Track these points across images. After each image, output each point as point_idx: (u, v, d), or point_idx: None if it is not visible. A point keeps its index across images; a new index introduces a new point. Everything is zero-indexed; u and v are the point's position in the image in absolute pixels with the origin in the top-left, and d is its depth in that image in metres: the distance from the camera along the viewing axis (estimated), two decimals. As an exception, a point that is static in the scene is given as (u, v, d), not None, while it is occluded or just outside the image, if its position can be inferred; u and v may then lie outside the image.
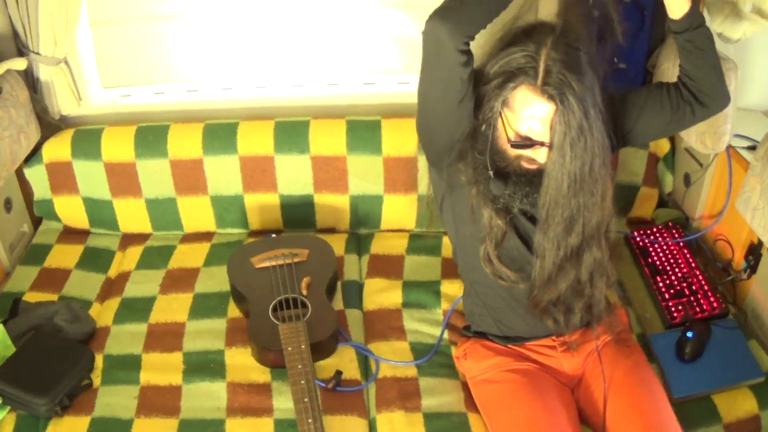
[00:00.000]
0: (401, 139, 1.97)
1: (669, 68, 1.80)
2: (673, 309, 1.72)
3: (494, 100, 1.32)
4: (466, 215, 1.48)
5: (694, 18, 1.36)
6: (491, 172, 1.36)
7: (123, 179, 2.01)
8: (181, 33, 2.05)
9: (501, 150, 1.36)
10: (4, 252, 1.94)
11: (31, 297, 1.81)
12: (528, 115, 1.29)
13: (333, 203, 2.04)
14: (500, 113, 1.32)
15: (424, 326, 1.76)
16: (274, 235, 1.98)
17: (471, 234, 1.50)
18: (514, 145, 1.33)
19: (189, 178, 2.01)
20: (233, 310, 1.80)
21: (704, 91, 1.42)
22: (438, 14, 1.27)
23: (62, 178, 2.02)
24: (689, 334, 1.60)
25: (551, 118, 1.27)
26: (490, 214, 1.41)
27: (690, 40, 1.37)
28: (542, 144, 1.30)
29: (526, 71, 1.27)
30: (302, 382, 1.49)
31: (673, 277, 1.79)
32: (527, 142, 1.31)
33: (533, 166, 1.36)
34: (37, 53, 1.90)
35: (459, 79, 1.31)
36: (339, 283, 1.88)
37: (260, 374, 1.62)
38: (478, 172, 1.39)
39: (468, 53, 1.29)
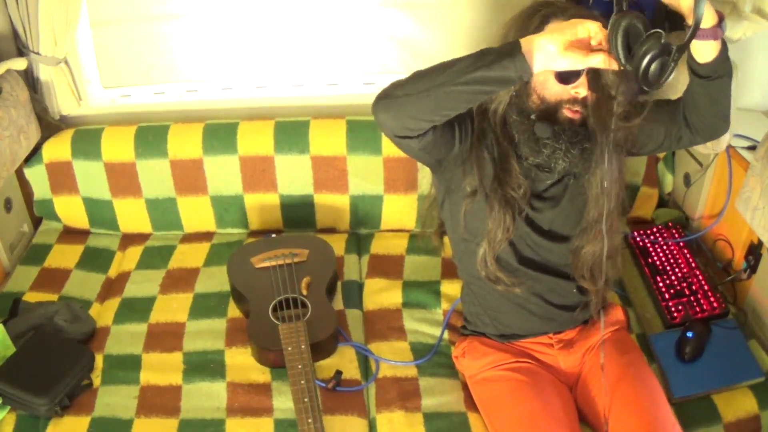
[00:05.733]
0: (401, 139, 1.97)
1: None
2: (673, 309, 1.71)
3: None
4: (460, 218, 1.48)
5: (720, 67, 1.23)
6: (533, 116, 1.34)
7: (123, 179, 2.01)
8: (181, 33, 2.05)
9: (541, 98, 1.33)
10: (4, 252, 1.94)
11: (31, 297, 1.81)
12: None
13: (333, 203, 2.04)
14: None
15: (424, 326, 1.76)
16: (274, 235, 1.98)
17: (463, 237, 1.51)
18: (561, 73, 1.27)
19: (189, 178, 2.01)
20: (233, 310, 1.80)
21: (699, 126, 1.39)
22: (379, 102, 1.22)
23: (62, 178, 2.02)
24: (689, 334, 1.60)
25: None
26: (500, 217, 1.41)
27: (704, 87, 1.28)
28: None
29: (546, 13, 1.29)
30: (302, 382, 1.49)
31: (673, 277, 1.79)
32: None
33: (576, 113, 1.32)
34: (37, 53, 1.90)
35: (418, 156, 1.35)
36: (339, 283, 1.88)
37: (260, 374, 1.62)
38: (520, 126, 1.36)
39: (423, 134, 1.26)
